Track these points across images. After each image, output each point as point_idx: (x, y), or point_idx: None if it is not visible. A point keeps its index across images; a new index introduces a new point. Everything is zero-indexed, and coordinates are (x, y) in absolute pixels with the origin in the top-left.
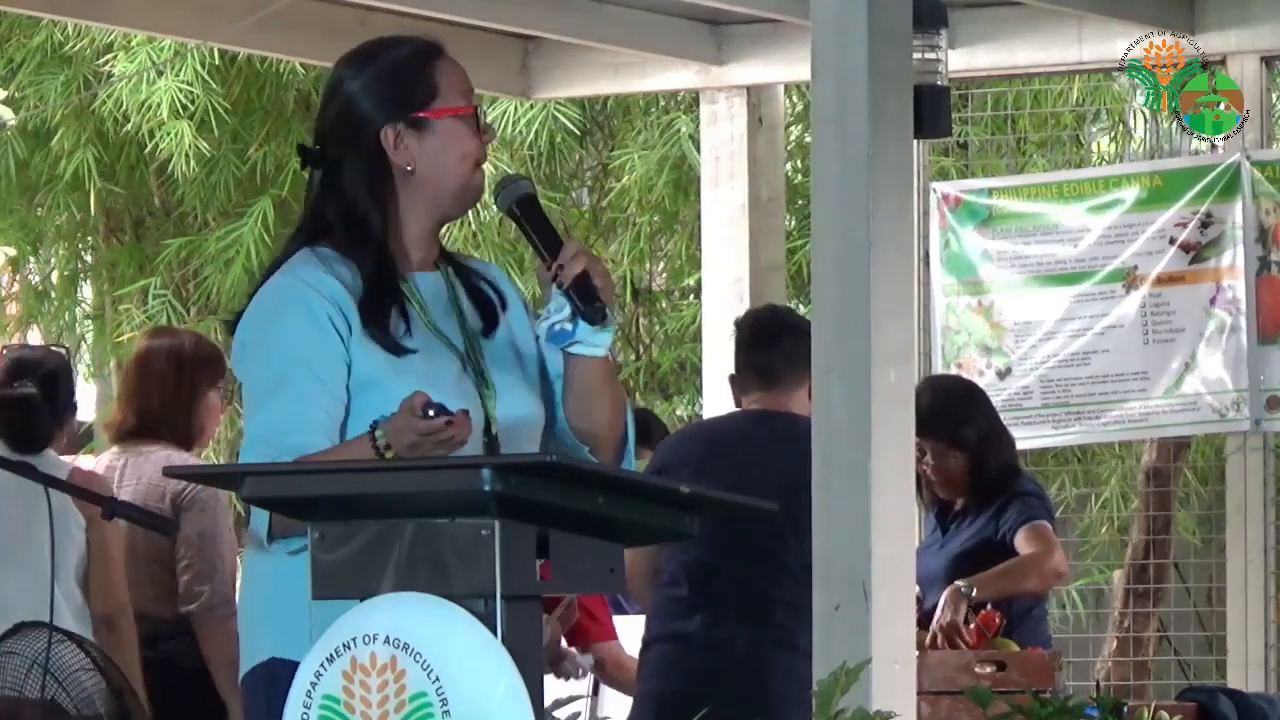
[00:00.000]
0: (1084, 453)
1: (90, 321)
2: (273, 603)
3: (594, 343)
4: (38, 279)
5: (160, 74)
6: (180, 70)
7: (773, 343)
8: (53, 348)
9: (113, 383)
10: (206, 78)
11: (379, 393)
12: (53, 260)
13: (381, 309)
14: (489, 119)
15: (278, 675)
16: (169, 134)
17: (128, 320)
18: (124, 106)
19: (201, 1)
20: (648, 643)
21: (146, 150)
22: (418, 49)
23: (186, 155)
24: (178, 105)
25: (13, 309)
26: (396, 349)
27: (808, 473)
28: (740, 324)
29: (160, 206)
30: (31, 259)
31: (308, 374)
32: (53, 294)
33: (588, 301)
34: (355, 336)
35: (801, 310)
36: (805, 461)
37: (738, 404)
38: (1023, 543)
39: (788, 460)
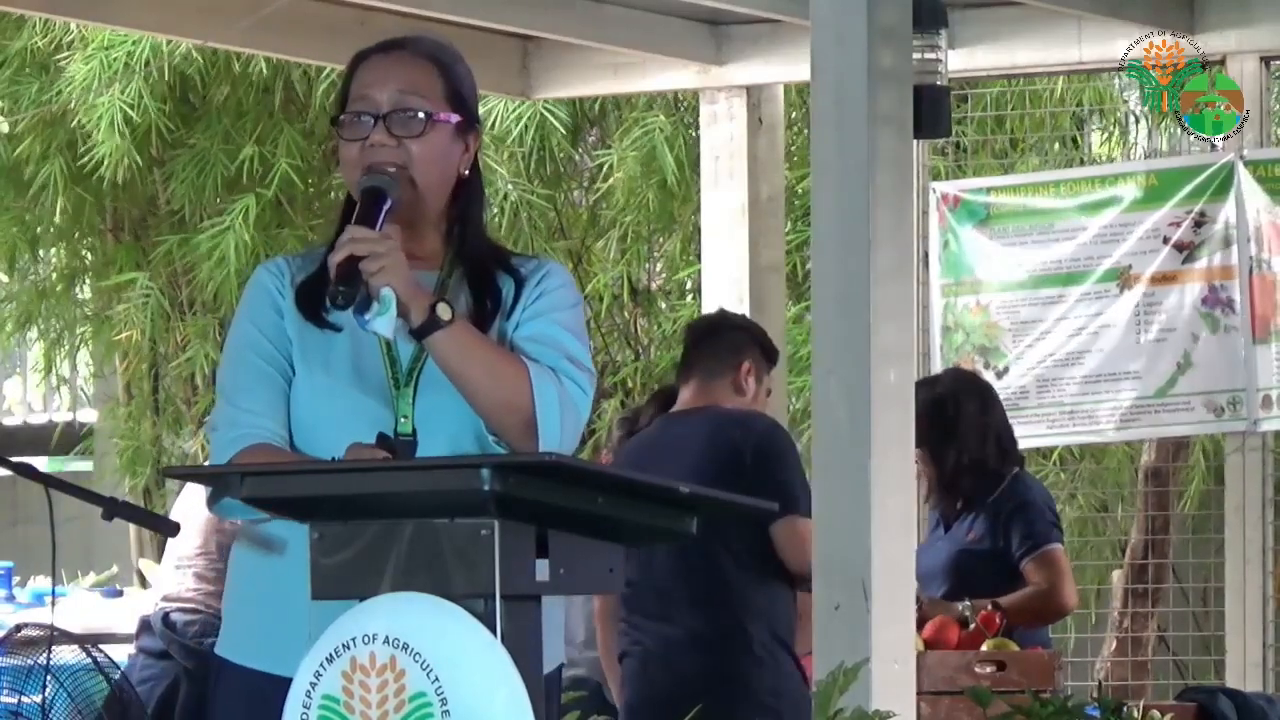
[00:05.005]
0: (1044, 455)
1: (89, 322)
2: (224, 600)
3: (375, 328)
4: (34, 279)
5: (110, 84)
6: (128, 88)
7: (696, 343)
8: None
9: (114, 382)
10: (148, 98)
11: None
12: (53, 261)
13: (313, 288)
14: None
15: (217, 671)
16: (103, 144)
17: (125, 320)
18: (73, 105)
19: (201, 1)
20: (620, 656)
21: (92, 151)
22: (360, 56)
23: (125, 167)
24: (119, 120)
25: (11, 308)
26: (318, 319)
27: (724, 459)
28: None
29: (164, 205)
30: (27, 256)
31: (257, 337)
32: (52, 295)
33: (344, 285)
34: (289, 311)
35: (795, 310)
36: (721, 448)
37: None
38: (1032, 572)
39: (704, 446)
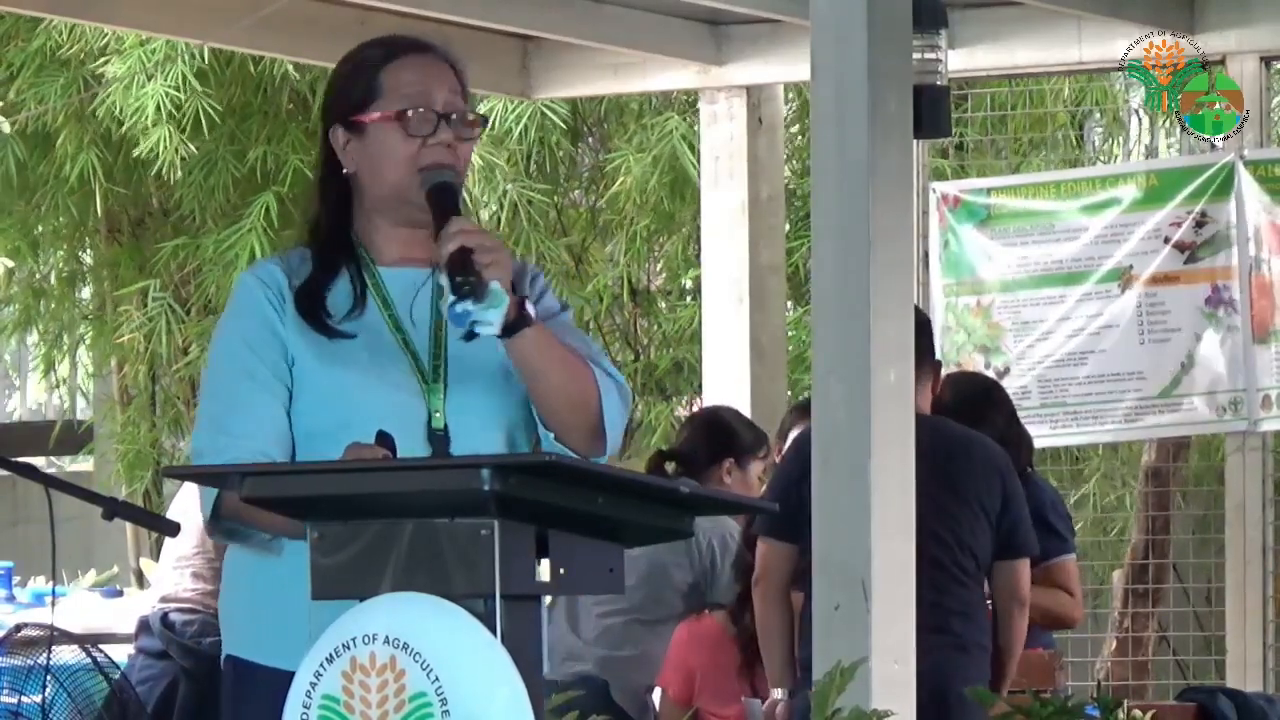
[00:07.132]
0: (1076, 458)
1: (88, 322)
2: (228, 600)
3: (485, 320)
4: (37, 279)
5: (150, 78)
6: (170, 74)
7: None
8: None
9: (112, 382)
10: (195, 81)
11: (310, 380)
12: (51, 261)
13: (314, 294)
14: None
15: (237, 672)
16: (156, 137)
17: (127, 321)
18: (118, 109)
19: (201, 1)
20: None
21: (137, 151)
22: (386, 50)
23: (172, 161)
24: (165, 110)
25: (11, 310)
26: (328, 330)
27: (956, 477)
28: None
29: (159, 208)
30: (29, 261)
31: (249, 355)
32: (51, 295)
33: (461, 275)
34: (289, 318)
35: (796, 312)
36: (949, 465)
37: None
38: (1043, 581)
39: (933, 464)
